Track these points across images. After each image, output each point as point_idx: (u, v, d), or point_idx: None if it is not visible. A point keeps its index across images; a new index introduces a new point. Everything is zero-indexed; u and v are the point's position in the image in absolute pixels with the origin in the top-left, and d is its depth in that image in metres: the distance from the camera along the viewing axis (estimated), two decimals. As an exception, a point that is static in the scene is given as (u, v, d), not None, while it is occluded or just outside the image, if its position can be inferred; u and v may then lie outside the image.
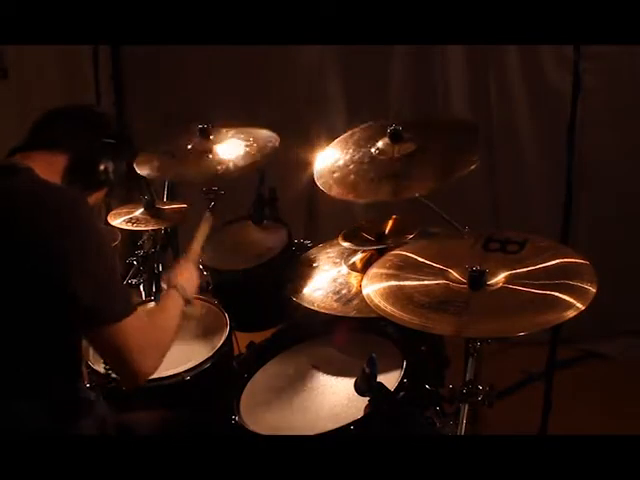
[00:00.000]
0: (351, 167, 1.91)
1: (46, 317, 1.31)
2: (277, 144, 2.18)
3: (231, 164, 2.14)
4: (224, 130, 2.32)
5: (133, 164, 2.04)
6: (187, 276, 1.68)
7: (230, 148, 2.21)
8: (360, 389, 1.44)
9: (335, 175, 1.91)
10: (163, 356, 1.43)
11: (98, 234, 1.34)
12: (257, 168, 2.23)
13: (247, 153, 2.17)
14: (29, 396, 1.34)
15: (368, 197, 1.88)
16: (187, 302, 1.61)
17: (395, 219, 1.99)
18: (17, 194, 1.32)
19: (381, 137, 1.93)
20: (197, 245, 1.90)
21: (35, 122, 1.48)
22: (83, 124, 1.48)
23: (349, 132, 2.06)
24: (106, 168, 1.46)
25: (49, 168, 1.40)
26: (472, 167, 1.73)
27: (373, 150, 1.93)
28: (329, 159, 1.98)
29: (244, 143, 2.23)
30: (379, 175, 1.84)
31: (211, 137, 2.28)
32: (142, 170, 2.14)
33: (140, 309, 1.40)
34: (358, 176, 1.87)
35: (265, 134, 2.26)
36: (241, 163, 2.14)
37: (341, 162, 1.95)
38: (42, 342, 1.33)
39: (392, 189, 1.80)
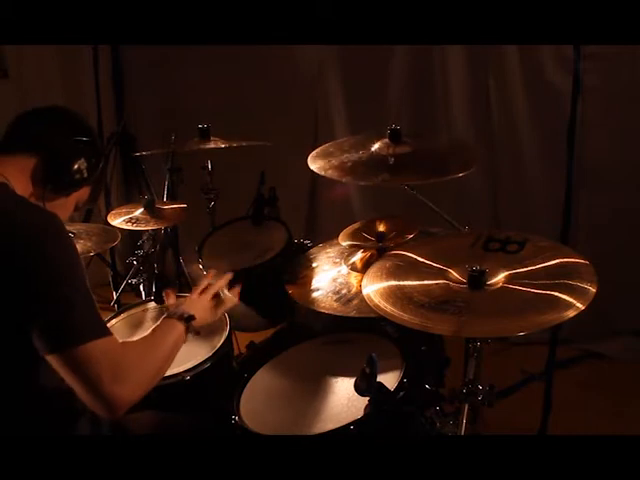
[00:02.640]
0: (348, 156, 1.96)
1: (11, 332, 1.27)
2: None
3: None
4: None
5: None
6: (199, 307, 1.62)
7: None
8: (360, 389, 1.44)
9: (331, 161, 1.94)
10: (145, 384, 1.34)
11: (68, 256, 1.29)
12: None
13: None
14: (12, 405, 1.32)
15: (363, 180, 1.92)
16: (196, 333, 1.61)
17: (395, 219, 1.99)
18: None
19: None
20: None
21: (8, 125, 1.46)
22: (54, 124, 1.46)
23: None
24: (79, 167, 1.45)
25: (23, 172, 1.40)
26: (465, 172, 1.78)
27: (372, 149, 1.95)
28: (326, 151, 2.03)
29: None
30: (375, 164, 1.89)
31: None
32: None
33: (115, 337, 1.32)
34: (354, 163, 1.91)
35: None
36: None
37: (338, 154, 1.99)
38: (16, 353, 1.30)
39: (387, 176, 1.85)
